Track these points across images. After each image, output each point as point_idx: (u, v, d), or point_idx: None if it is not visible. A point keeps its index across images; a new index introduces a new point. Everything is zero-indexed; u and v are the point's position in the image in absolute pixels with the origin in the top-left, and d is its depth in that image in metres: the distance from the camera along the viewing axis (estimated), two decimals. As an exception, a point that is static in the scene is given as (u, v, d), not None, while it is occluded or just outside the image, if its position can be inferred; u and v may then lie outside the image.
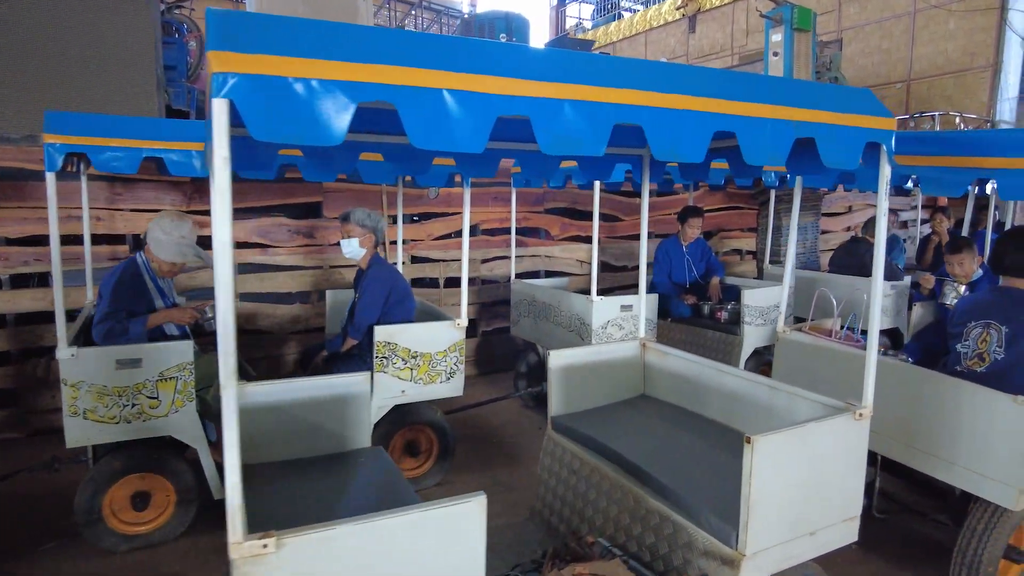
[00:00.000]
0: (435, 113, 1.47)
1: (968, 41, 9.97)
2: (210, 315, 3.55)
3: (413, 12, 21.71)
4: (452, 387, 3.76)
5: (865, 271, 5.45)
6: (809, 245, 7.49)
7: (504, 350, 6.07)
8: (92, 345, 3.11)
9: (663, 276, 5.56)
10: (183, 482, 3.18)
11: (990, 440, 2.57)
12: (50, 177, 2.95)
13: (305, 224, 5.36)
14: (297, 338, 5.40)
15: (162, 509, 3.18)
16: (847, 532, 2.13)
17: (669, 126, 1.58)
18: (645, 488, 2.31)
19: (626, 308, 4.29)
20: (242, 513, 1.38)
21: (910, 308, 5.39)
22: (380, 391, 3.56)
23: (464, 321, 3.73)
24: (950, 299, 4.02)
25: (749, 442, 1.82)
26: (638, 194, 6.88)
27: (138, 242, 4.73)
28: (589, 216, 6.69)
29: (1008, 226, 7.07)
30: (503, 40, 6.42)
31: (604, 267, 6.75)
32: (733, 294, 5.12)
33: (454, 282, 5.91)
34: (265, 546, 1.39)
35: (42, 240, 4.39)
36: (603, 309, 4.22)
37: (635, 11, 17.06)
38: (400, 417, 3.75)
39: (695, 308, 5.27)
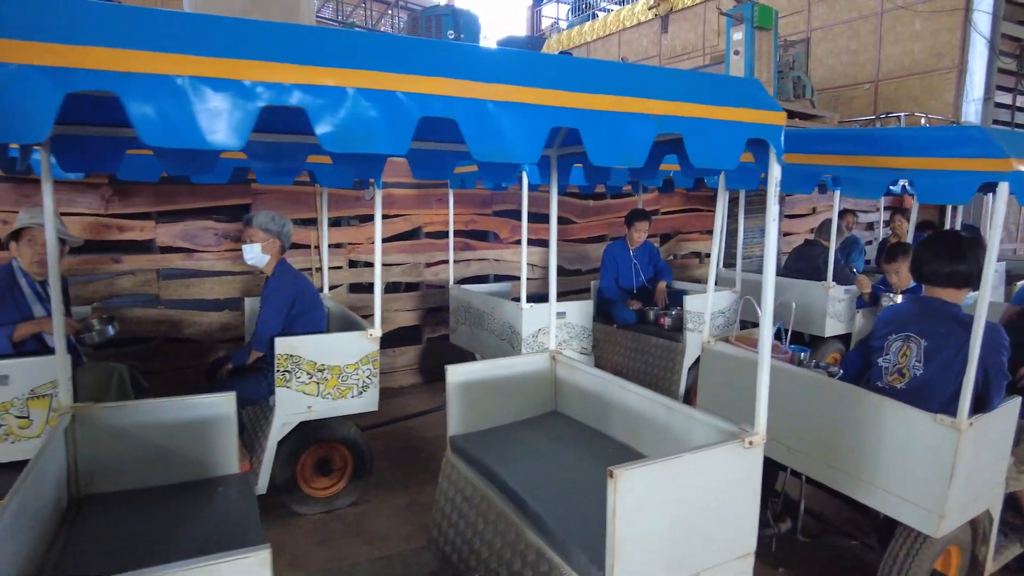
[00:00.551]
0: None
1: (934, 42, 9.87)
2: (97, 327, 3.30)
3: (390, 12, 21.45)
4: (365, 402, 3.53)
5: (818, 275, 5.29)
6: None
7: (450, 358, 5.81)
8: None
9: (609, 281, 5.37)
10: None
11: (910, 462, 2.38)
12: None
13: (234, 228, 5.10)
14: (227, 347, 5.14)
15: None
16: (739, 571, 1.92)
17: (487, 120, 1.36)
18: (525, 520, 2.09)
19: (559, 315, 4.08)
20: None
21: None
22: (283, 407, 3.33)
23: (377, 332, 3.51)
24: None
25: (612, 476, 1.61)
26: (592, 196, 6.70)
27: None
28: (541, 218, 6.49)
29: (984, 229, 6.93)
30: (451, 37, 6.20)
31: (558, 271, 6.53)
32: (680, 299, 4.93)
33: (394, 287, 5.68)
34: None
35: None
36: (533, 316, 4.01)
37: (609, 11, 16.89)
38: (309, 434, 3.52)
39: (640, 314, 5.08)
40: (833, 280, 5.14)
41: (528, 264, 6.35)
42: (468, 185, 4.91)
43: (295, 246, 5.29)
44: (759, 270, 6.77)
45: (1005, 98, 9.82)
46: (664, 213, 7.08)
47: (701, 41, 13.84)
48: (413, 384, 5.80)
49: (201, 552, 1.29)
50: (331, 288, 5.40)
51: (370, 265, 5.55)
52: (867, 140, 2.41)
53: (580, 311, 4.13)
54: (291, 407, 3.35)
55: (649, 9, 14.70)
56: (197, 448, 2.37)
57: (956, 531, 2.50)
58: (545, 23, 20.71)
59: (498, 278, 6.18)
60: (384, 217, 5.59)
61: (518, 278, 6.24)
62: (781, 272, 5.86)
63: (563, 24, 19.62)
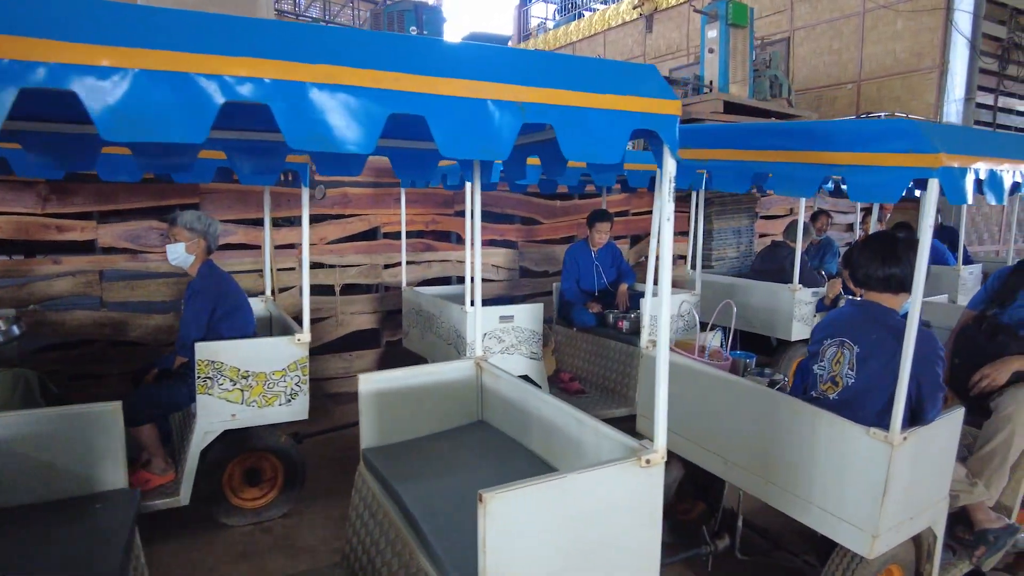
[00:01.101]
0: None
1: (915, 42, 9.75)
2: (2, 327, 3.13)
3: (351, 4, 21.06)
4: (294, 410, 3.37)
5: (785, 277, 5.14)
6: (744, 249, 7.19)
7: (409, 362, 5.67)
8: None
9: (571, 283, 5.22)
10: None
11: (844, 478, 2.23)
12: None
13: (180, 227, 4.93)
14: (173, 349, 4.97)
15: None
16: (640, 599, 1.76)
17: (307, 105, 1.19)
18: (417, 542, 1.94)
19: (506, 319, 3.92)
20: None
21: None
22: (205, 415, 3.17)
23: (306, 337, 3.35)
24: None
25: (481, 501, 1.45)
26: (559, 196, 6.55)
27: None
28: (505, 219, 6.35)
29: (962, 230, 6.79)
30: (412, 32, 6.05)
31: (524, 272, 6.40)
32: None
33: (351, 289, 5.51)
34: None
35: None
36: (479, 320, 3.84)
37: (595, 11, 16.75)
38: (236, 443, 3.35)
39: (600, 317, 4.92)
40: (800, 282, 4.99)
41: (493, 266, 6.22)
42: (418, 185, 4.76)
43: (245, 247, 5.14)
44: (731, 272, 6.65)
45: (987, 99, 9.70)
46: (634, 214, 6.93)
47: (685, 41, 13.71)
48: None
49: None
50: (283, 290, 5.24)
51: (324, 266, 5.39)
52: (800, 134, 2.26)
53: (529, 314, 3.97)
54: (213, 415, 3.19)
55: (634, 8, 14.57)
56: (79, 462, 2.21)
57: (896, 549, 2.35)
58: (535, 24, 20.57)
59: (461, 280, 6.02)
60: (340, 217, 5.45)
61: (482, 280, 6.10)
62: (747, 274, 5.72)
63: (550, 24, 19.48)
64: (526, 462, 2.32)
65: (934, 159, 1.88)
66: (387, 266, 5.61)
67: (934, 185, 1.91)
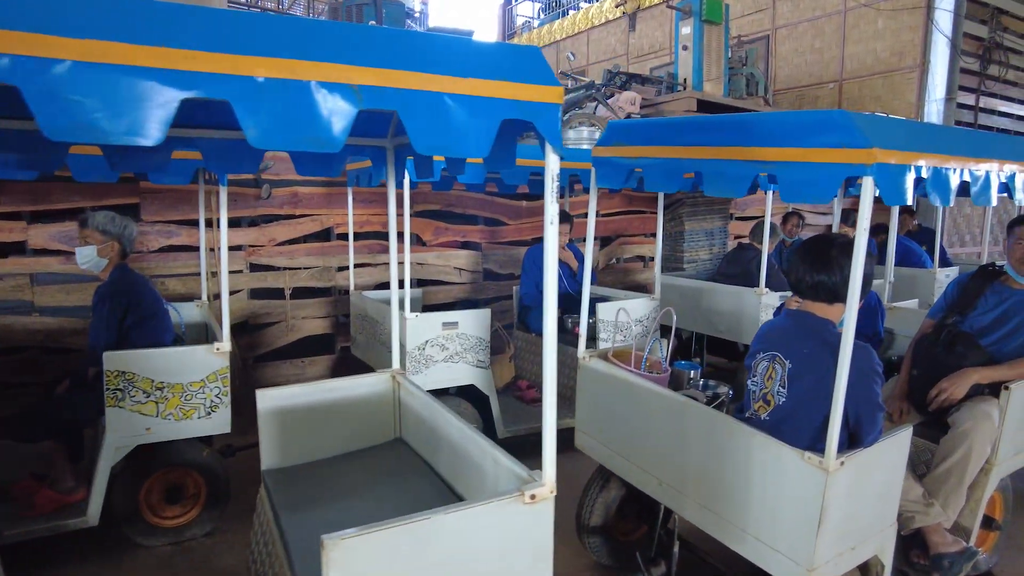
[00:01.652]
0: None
1: (896, 41, 9.59)
2: None
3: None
4: (216, 423, 3.16)
5: (751, 280, 4.96)
6: (717, 251, 7.01)
7: (363, 370, 5.46)
8: None
9: (530, 287, 5.02)
10: None
11: (778, 505, 2.04)
12: None
13: (120, 228, 4.70)
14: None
15: None
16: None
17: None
18: (292, 581, 1.73)
19: (450, 326, 3.72)
20: None
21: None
22: (115, 429, 2.96)
23: (226, 346, 3.14)
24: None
25: (323, 547, 1.25)
26: (526, 196, 6.34)
27: None
28: (468, 219, 6.14)
29: (939, 231, 6.63)
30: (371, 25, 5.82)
31: (488, 275, 6.19)
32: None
33: (303, 293, 5.29)
34: None
35: None
36: (419, 327, 3.65)
37: (579, 9, 16.56)
38: (152, 458, 3.14)
39: (558, 322, 4.72)
40: (767, 286, 4.80)
41: (455, 268, 6.01)
42: (365, 183, 4.53)
43: (187, 249, 4.91)
44: (703, 275, 6.46)
45: (968, 99, 9.56)
46: (604, 215, 6.74)
47: (668, 40, 13.52)
48: (325, 396, 5.40)
49: None
50: (231, 293, 5.01)
51: (273, 269, 5.17)
52: (731, 128, 2.06)
53: (475, 321, 3.77)
54: (125, 429, 2.98)
55: (617, 7, 14.39)
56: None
57: (839, 581, 2.16)
58: (520, 22, 20.36)
59: (422, 283, 5.81)
60: (290, 217, 5.23)
61: (443, 283, 5.89)
62: (713, 278, 5.53)
63: (536, 23, 19.29)
64: (433, 490, 2.12)
65: (867, 155, 1.69)
66: (341, 268, 5.40)
67: (868, 184, 1.71)
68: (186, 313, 4.07)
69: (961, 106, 9.47)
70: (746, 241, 5.45)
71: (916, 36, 9.32)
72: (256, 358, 5.22)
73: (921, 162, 1.84)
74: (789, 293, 4.81)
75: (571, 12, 17.31)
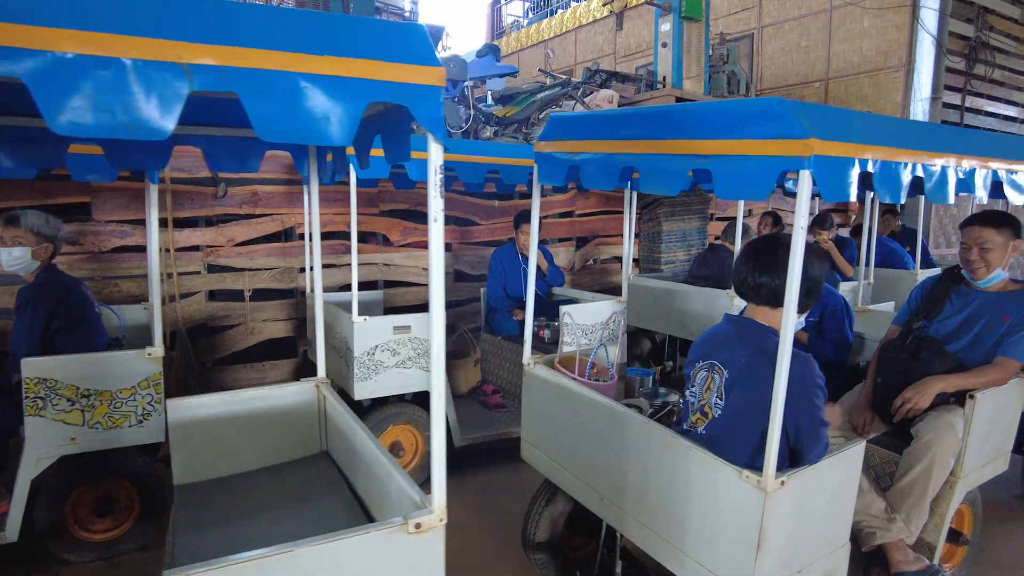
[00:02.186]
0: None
1: (881, 39, 9.48)
2: None
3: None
4: (148, 432, 2.99)
5: (723, 282, 4.81)
6: (694, 252, 6.86)
7: (330, 372, 5.31)
8: None
9: (496, 288, 4.88)
10: None
11: (717, 526, 1.89)
12: None
13: (70, 229, 4.53)
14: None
15: None
16: None
17: None
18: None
19: (401, 329, 3.56)
20: None
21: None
22: (36, 439, 2.79)
23: (158, 351, 2.97)
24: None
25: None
26: (498, 196, 6.19)
27: None
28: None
29: (919, 231, 6.50)
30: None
31: (459, 276, 6.04)
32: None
33: (263, 294, 5.13)
34: None
35: None
36: (368, 331, 3.49)
37: (567, 8, 16.43)
38: (80, 469, 2.97)
39: (523, 325, 4.56)
40: (740, 288, 4.65)
41: (424, 269, 5.85)
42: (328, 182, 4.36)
43: (142, 249, 4.75)
44: (680, 276, 6.31)
45: (954, 98, 9.44)
46: (580, 215, 6.59)
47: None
48: (288, 401, 5.24)
49: None
50: (187, 296, 4.85)
51: (232, 270, 5.00)
52: (665, 119, 1.91)
53: (429, 325, 3.60)
54: (47, 439, 2.81)
55: (604, 5, 14.25)
56: None
57: (786, 606, 2.01)
58: (510, 21, 20.22)
59: (389, 284, 5.66)
60: (250, 217, 5.07)
61: (411, 284, 5.73)
62: (684, 279, 5.39)
63: (524, 22, 19.15)
64: (348, 510, 1.96)
65: (804, 146, 1.54)
66: (303, 269, 5.23)
67: (805, 178, 1.57)
68: (131, 316, 3.90)
69: (947, 106, 9.36)
70: (719, 242, 5.31)
71: (902, 35, 9.21)
72: (215, 362, 5.05)
73: (867, 155, 1.69)
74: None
75: (559, 11, 17.17)
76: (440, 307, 1.44)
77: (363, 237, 5.58)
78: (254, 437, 2.29)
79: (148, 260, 3.06)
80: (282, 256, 5.14)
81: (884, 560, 2.52)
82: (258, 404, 2.30)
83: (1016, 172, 2.34)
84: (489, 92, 7.44)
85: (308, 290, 4.60)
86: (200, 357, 4.97)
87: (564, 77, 7.18)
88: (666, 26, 7.27)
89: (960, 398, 2.58)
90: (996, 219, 2.69)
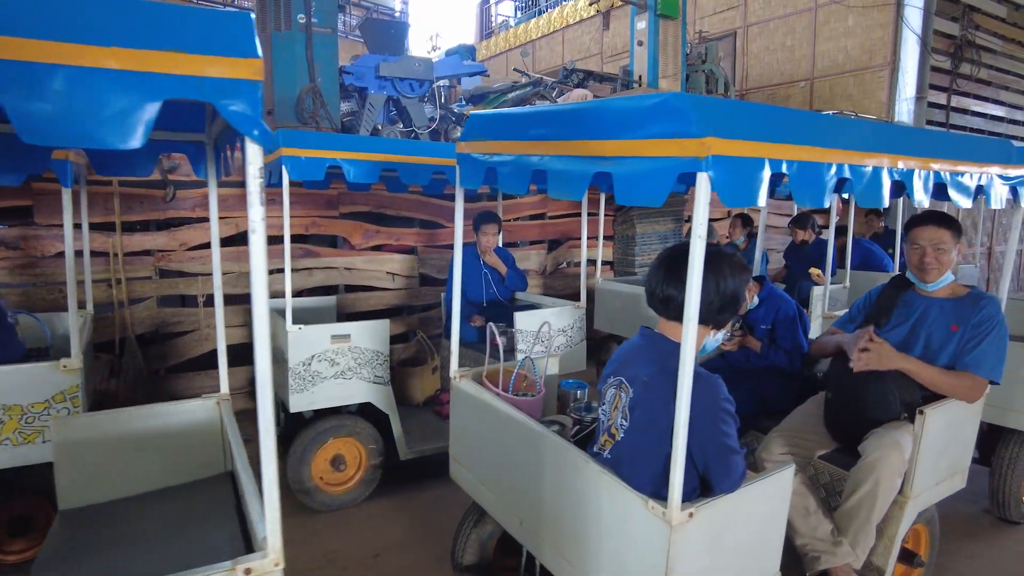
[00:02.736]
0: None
1: (866, 38, 9.33)
2: None
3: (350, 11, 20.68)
4: (63, 448, 2.83)
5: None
6: (671, 255, 6.71)
7: (288, 379, 5.16)
8: None
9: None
10: None
11: (625, 558, 1.74)
12: None
13: (11, 233, 4.38)
14: None
15: None
16: None
17: None
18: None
19: (340, 338, 3.41)
20: None
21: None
22: (-65, 456, 2.64)
23: (75, 362, 2.82)
24: (719, 337, 3.20)
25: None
26: (466, 198, 6.01)
27: None
28: (401, 222, 5.83)
29: (900, 234, 6.36)
30: (301, 21, 5.53)
31: (424, 280, 5.89)
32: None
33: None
34: None
35: None
36: (304, 340, 3.34)
37: (555, 7, 16.29)
38: (-10, 488, 2.83)
39: (481, 332, 4.42)
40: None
41: (388, 273, 5.70)
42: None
43: (93, 254, 4.60)
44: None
45: (940, 98, 9.30)
46: (551, 217, 6.44)
47: (641, 38, 13.26)
48: (244, 409, 5.09)
49: None
50: (136, 302, 4.70)
51: (185, 275, 4.85)
52: (571, 118, 1.76)
53: (370, 333, 3.46)
54: (-52, 457, 2.66)
55: (590, 5, 14.12)
56: None
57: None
58: (499, 21, 20.08)
59: (350, 289, 5.51)
60: (203, 220, 4.92)
61: (373, 289, 5.58)
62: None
63: (512, 22, 19.02)
64: (229, 539, 1.81)
65: (700, 145, 1.40)
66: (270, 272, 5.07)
67: (702, 181, 1.42)
68: (64, 325, 3.73)
69: (933, 105, 9.22)
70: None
71: (886, 33, 9.08)
72: (168, 369, 4.91)
73: (781, 155, 1.55)
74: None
75: (547, 11, 17.04)
76: (264, 316, 1.29)
77: (324, 240, 5.43)
78: (149, 457, 2.14)
79: (67, 265, 2.93)
80: (237, 260, 4.99)
81: (828, 586, 2.37)
82: (154, 421, 2.15)
83: (962, 174, 2.20)
84: (462, 92, 7.30)
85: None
86: (152, 365, 4.83)
87: (537, 76, 7.04)
88: (642, 24, 7.13)
89: (912, 413, 2.43)
90: (948, 220, 2.56)
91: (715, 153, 1.39)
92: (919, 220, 2.61)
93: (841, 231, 6.83)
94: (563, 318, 4.15)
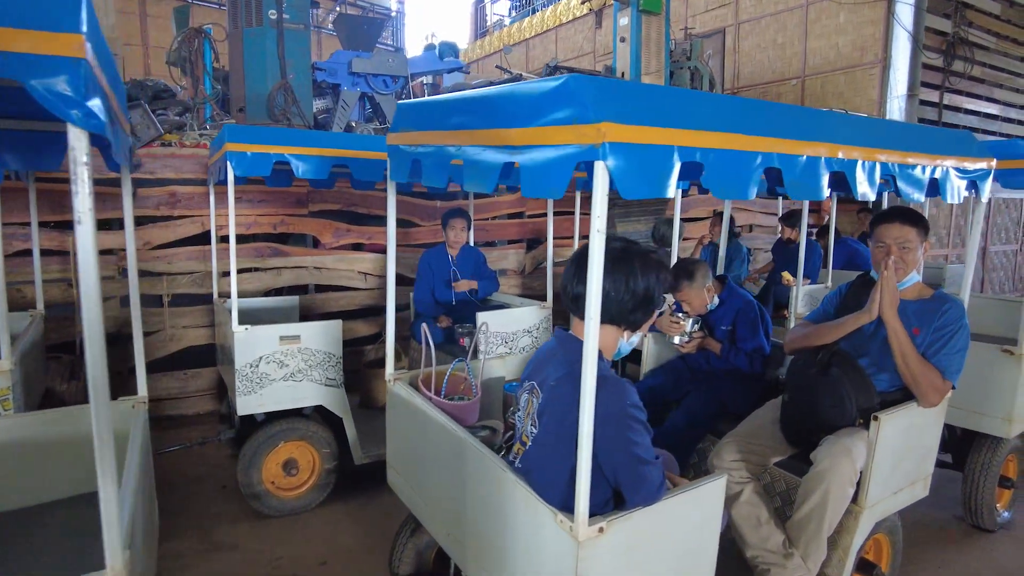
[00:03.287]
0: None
1: (857, 35, 9.20)
2: None
3: (338, 8, 20.64)
4: None
5: (664, 288, 4.54)
6: (653, 255, 6.59)
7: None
8: None
9: (424, 292, 4.61)
10: None
11: (539, 574, 1.63)
12: None
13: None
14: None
15: None
16: None
17: None
18: None
19: (289, 339, 3.30)
20: None
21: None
22: None
23: (4, 364, 2.72)
24: (677, 339, 3.09)
25: None
26: (441, 197, 5.92)
27: None
28: (373, 220, 5.71)
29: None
30: (272, 18, 5.43)
31: (399, 280, 5.77)
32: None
33: (183, 300, 4.88)
34: None
35: None
36: (251, 341, 3.23)
37: (548, 5, 16.19)
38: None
39: (448, 332, 4.31)
40: (680, 293, 4.39)
41: (360, 272, 5.59)
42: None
43: (51, 253, 4.51)
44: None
45: (932, 96, 9.16)
46: (530, 216, 6.33)
47: (633, 36, 13.14)
48: (210, 411, 5.00)
49: None
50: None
51: (149, 274, 4.75)
52: (483, 106, 1.65)
53: (322, 334, 3.35)
54: None
55: (583, 3, 14.02)
56: None
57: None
58: (494, 20, 19.99)
59: (320, 288, 5.40)
60: (167, 219, 4.83)
61: (344, 288, 5.47)
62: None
63: (507, 21, 18.93)
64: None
65: (595, 132, 1.28)
66: (225, 273, 4.98)
67: (600, 172, 1.30)
68: (16, 325, 3.64)
69: (925, 103, 9.09)
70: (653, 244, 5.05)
71: (877, 30, 8.95)
72: (131, 370, 4.79)
73: (693, 143, 1.43)
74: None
75: (541, 10, 16.95)
76: (97, 315, 1.18)
77: (292, 239, 5.33)
78: (53, 465, 2.04)
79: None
80: (202, 260, 4.89)
81: (777, 601, 2.25)
82: (55, 428, 2.05)
83: (914, 167, 2.08)
84: (443, 90, 7.20)
85: (216, 295, 4.34)
86: (114, 366, 4.72)
87: (518, 73, 6.93)
88: (624, 20, 7.01)
89: (867, 419, 2.31)
90: (914, 217, 2.45)
91: (612, 140, 1.28)
92: (884, 217, 2.50)
93: (823, 231, 6.70)
94: (529, 318, 4.04)
